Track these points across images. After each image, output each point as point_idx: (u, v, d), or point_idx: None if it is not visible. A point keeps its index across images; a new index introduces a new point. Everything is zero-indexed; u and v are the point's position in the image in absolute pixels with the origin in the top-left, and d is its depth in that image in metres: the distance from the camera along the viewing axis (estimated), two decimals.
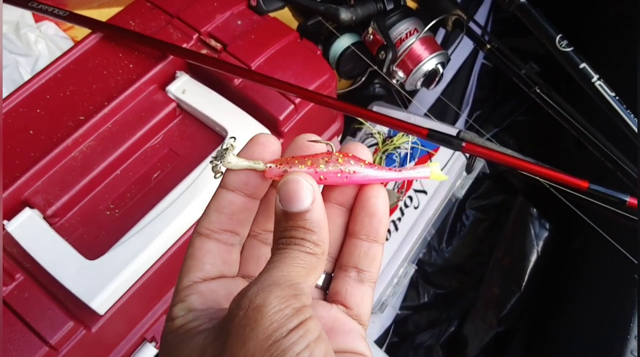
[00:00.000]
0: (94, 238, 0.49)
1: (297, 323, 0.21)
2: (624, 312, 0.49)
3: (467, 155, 0.49)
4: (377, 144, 0.73)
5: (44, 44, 0.75)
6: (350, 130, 0.77)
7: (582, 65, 0.52)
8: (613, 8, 0.72)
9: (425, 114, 0.74)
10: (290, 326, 0.21)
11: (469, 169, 0.55)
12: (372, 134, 0.73)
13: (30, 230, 0.47)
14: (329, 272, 0.29)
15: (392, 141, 0.71)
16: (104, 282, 0.45)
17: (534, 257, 0.63)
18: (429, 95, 0.81)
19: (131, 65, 0.55)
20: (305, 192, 0.25)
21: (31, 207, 0.48)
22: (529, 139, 0.82)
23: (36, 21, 0.79)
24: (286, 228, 0.25)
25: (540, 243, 0.64)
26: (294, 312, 0.22)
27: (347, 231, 0.29)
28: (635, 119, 0.50)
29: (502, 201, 0.76)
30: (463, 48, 0.82)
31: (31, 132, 0.51)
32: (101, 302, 0.44)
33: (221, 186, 0.28)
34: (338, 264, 0.29)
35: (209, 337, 0.23)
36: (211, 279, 0.27)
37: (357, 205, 0.28)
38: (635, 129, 0.50)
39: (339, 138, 0.69)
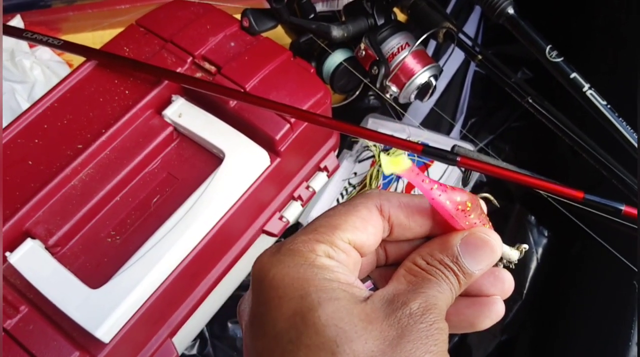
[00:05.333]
0: (96, 266, 0.49)
1: None
2: (624, 319, 0.50)
3: (463, 169, 0.50)
4: (373, 156, 0.74)
5: (40, 69, 0.76)
6: (346, 143, 0.77)
7: (573, 75, 0.52)
8: (602, 13, 0.73)
9: (420, 126, 0.75)
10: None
11: (465, 182, 0.55)
12: (368, 147, 0.74)
13: (33, 261, 0.47)
14: None
15: (388, 154, 0.72)
16: (107, 310, 0.45)
17: (533, 265, 0.64)
18: (424, 106, 0.82)
19: (127, 92, 0.56)
20: (489, 259, 0.28)
21: (33, 237, 0.49)
22: (525, 145, 0.82)
23: (30, 47, 0.80)
24: (449, 267, 0.27)
25: (540, 250, 0.64)
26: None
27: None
28: (628, 126, 0.51)
29: (501, 208, 0.76)
30: (455, 57, 0.83)
31: (30, 162, 0.51)
32: (106, 330, 0.44)
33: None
34: None
35: (370, 315, 0.24)
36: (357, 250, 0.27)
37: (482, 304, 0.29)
38: (628, 137, 0.50)
39: (336, 153, 0.69)
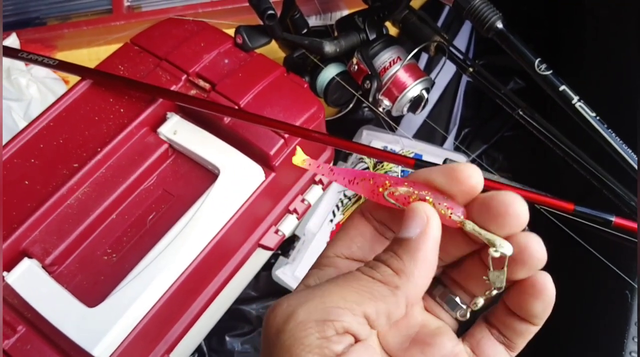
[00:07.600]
0: (93, 284, 0.50)
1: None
2: (618, 328, 0.50)
3: None
4: (368, 168, 0.75)
5: (36, 87, 0.77)
6: (342, 155, 0.78)
7: (562, 87, 0.53)
8: (591, 25, 0.74)
9: (412, 138, 0.75)
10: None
11: None
12: (363, 158, 0.74)
13: (30, 280, 0.47)
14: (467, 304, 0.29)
15: (382, 166, 0.72)
16: (104, 329, 0.45)
17: None
18: (417, 117, 0.82)
19: (122, 110, 0.56)
20: (417, 221, 0.25)
21: (30, 257, 0.49)
22: (518, 153, 0.83)
23: (26, 64, 0.80)
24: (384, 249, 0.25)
25: None
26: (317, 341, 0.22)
27: (505, 299, 0.26)
28: (617, 138, 0.51)
29: None
30: (447, 69, 0.84)
31: (26, 182, 0.52)
32: (103, 349, 0.45)
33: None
34: (487, 316, 0.27)
35: None
36: (353, 260, 0.27)
37: (525, 287, 0.26)
38: (618, 148, 0.51)
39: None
